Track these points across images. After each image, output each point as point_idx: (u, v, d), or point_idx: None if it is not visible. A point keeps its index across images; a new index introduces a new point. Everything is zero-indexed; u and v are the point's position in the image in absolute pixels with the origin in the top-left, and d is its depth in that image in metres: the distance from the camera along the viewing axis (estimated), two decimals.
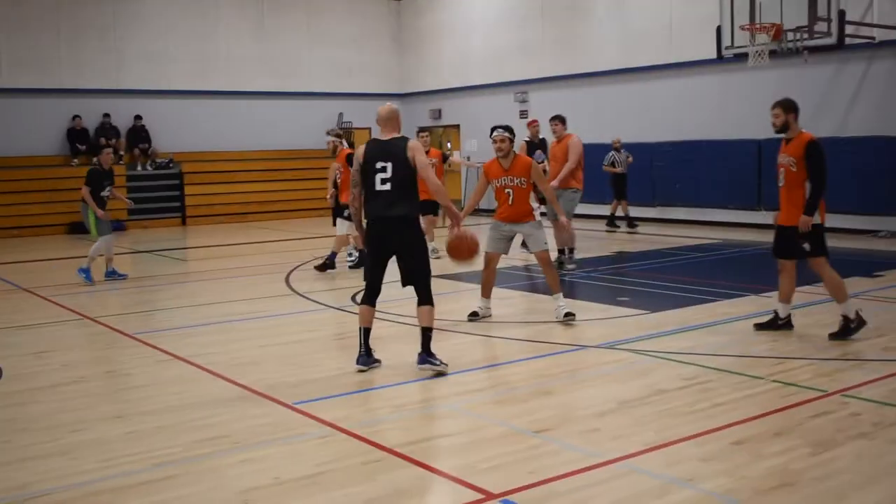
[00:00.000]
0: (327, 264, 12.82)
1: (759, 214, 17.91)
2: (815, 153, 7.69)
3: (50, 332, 9.25)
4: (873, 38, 16.06)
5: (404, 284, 7.12)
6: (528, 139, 15.02)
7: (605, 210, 19.06)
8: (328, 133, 13.51)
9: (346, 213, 12.45)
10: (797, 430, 5.45)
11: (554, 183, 12.00)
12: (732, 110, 18.46)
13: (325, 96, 26.05)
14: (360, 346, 7.11)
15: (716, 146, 18.66)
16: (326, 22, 26.24)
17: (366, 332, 7.11)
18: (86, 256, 12.67)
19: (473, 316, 9.00)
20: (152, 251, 16.91)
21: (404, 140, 6.98)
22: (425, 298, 6.99)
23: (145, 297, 11.66)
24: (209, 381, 6.99)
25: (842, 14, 13.37)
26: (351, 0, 26.71)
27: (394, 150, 6.93)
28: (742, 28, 14.24)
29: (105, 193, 12.44)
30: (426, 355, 6.90)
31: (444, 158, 14.80)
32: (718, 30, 14.84)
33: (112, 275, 12.71)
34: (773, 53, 14.31)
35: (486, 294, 9.12)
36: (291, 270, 13.24)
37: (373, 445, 5.34)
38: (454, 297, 10.48)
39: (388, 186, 6.86)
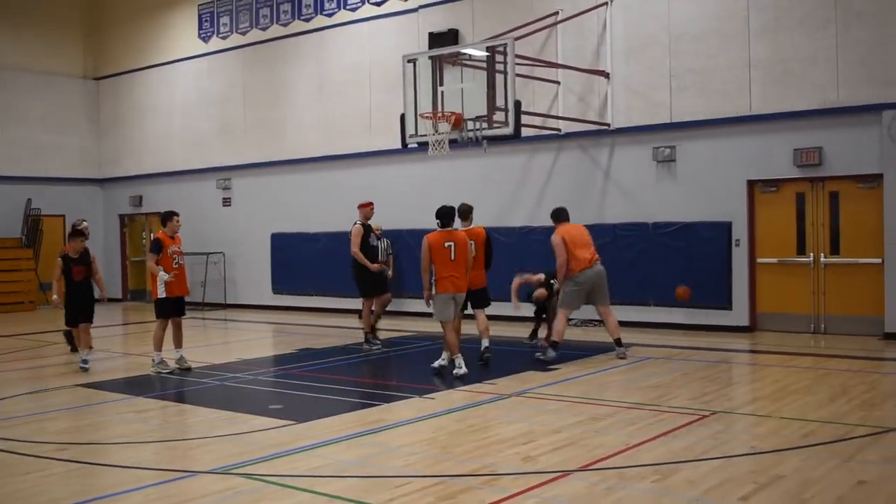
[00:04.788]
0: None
1: None
2: None
3: None
4: (559, 129, 16.38)
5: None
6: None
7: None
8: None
9: None
10: None
11: None
12: (433, 201, 18.17)
13: (11, 180, 23.67)
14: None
15: (417, 236, 18.27)
16: (14, 97, 23.93)
17: None
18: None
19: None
20: None
21: None
22: None
23: None
24: None
25: (517, 104, 13.34)
26: (43, 76, 24.59)
27: None
28: (423, 116, 13.94)
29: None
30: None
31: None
32: (402, 118, 14.48)
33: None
34: (454, 143, 14.08)
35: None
36: None
37: None
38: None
39: None
